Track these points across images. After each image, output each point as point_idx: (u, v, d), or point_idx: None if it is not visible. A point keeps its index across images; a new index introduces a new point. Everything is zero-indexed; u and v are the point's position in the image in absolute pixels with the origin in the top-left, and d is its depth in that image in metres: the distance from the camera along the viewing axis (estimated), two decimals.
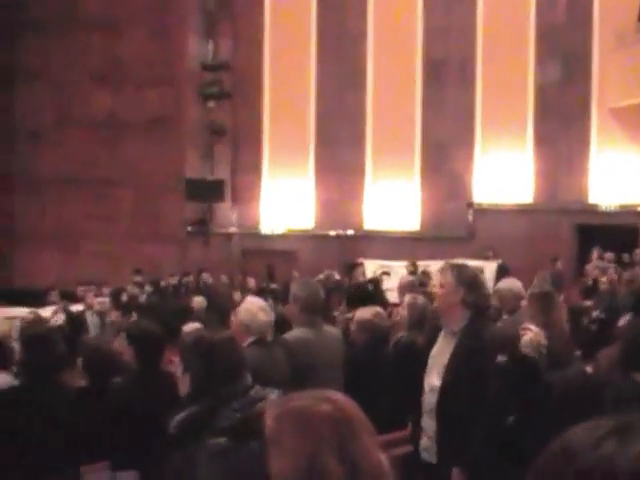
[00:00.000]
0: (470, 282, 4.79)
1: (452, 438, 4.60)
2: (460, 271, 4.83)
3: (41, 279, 17.41)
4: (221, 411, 3.41)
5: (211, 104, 20.15)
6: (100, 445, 4.89)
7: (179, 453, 3.58)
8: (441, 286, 4.83)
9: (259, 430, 2.61)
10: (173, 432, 3.55)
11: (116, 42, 19.67)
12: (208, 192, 19.79)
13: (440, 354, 4.76)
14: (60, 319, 11.06)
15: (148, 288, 15.84)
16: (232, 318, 5.71)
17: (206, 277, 17.27)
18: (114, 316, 11.36)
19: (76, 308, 12.25)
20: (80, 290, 13.52)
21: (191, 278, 17.20)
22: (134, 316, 10.89)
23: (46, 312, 11.90)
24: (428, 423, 4.75)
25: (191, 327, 6.48)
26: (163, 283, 16.94)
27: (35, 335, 5.39)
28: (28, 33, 19.75)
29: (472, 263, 13.69)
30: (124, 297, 14.24)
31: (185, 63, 19.83)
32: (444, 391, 4.63)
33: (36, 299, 13.93)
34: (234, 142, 20.30)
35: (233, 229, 20.38)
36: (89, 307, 12.05)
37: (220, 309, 11.46)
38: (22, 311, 12.56)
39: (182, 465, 3.55)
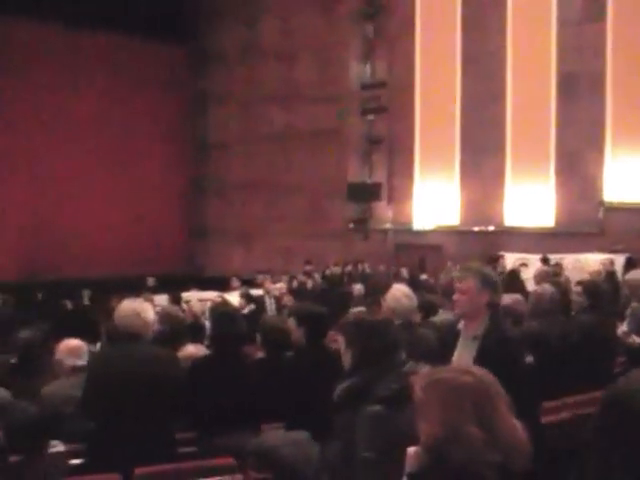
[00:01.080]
0: (495, 283, 4.16)
1: None
2: (483, 274, 4.15)
3: (226, 268, 17.95)
4: (378, 382, 3.42)
5: (370, 117, 20.22)
6: (276, 408, 4.99)
7: (341, 417, 3.61)
8: (462, 292, 4.10)
9: (412, 400, 2.61)
10: (336, 399, 3.58)
11: (290, 67, 20.02)
12: (367, 194, 19.88)
13: (463, 359, 4.01)
14: (243, 302, 11.35)
15: (316, 276, 16.03)
16: (382, 303, 5.70)
17: (365, 267, 17.34)
18: (287, 300, 11.57)
19: (256, 293, 12.54)
20: (259, 278, 13.83)
21: (351, 268, 17.30)
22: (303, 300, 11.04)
23: (231, 296, 12.24)
24: None
25: (354, 311, 6.50)
26: (328, 272, 17.10)
27: (223, 314, 5.54)
28: (216, 63, 20.35)
29: (602, 257, 13.28)
30: (295, 284, 14.47)
31: (347, 83, 19.95)
32: None
33: (222, 285, 14.36)
34: (389, 150, 20.27)
35: (389, 225, 20.34)
36: (267, 292, 12.31)
37: (376, 296, 11.49)
38: (212, 295, 13.00)
39: (343, 428, 3.57)
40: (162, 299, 10.96)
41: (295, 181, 19.66)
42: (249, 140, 20.18)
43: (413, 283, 11.42)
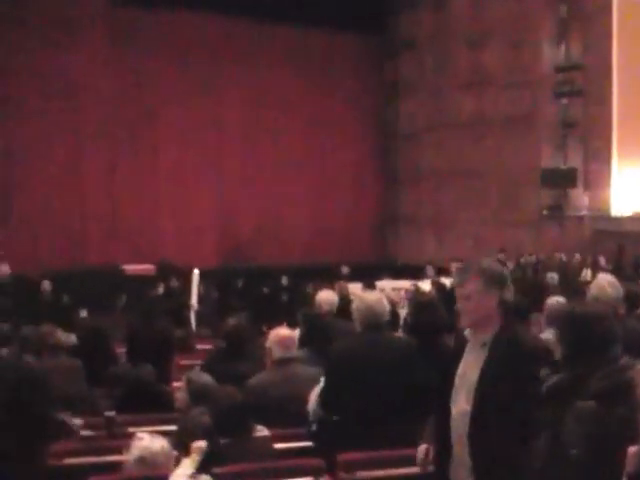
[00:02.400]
0: (502, 278, 3.42)
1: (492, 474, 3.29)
2: (486, 270, 3.39)
3: (419, 257, 17.89)
4: (591, 377, 3.24)
5: (564, 101, 19.46)
6: None
7: (549, 411, 3.46)
8: (465, 298, 3.39)
9: (628, 396, 2.44)
10: (545, 393, 3.43)
11: (480, 52, 19.63)
12: (562, 179, 19.15)
13: (470, 371, 3.39)
14: (434, 290, 11.25)
15: (510, 265, 15.65)
16: (586, 292, 5.42)
17: (560, 256, 16.74)
18: None
19: (449, 281, 12.40)
20: (453, 266, 13.66)
21: (546, 256, 16.78)
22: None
23: (424, 284, 12.17)
24: (460, 455, 3.41)
25: (554, 300, 6.25)
26: (522, 260, 16.67)
27: (422, 303, 5.49)
28: (406, 52, 20.28)
29: None
30: None
31: (540, 66, 19.29)
32: (475, 418, 3.30)
33: (415, 273, 14.32)
34: (584, 134, 19.41)
35: (585, 212, 19.50)
36: None
37: (572, 284, 11.07)
38: (405, 283, 12.99)
39: (552, 423, 3.42)
40: (356, 287, 11.05)
41: (487, 168, 19.28)
42: (440, 128, 19.98)
43: (616, 272, 10.88)
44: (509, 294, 3.43)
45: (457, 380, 3.42)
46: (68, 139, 16.66)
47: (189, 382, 5.06)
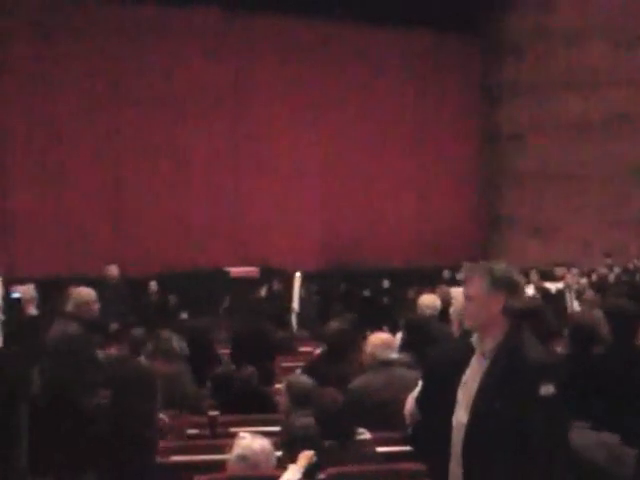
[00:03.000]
0: (512, 282, 3.18)
1: None
2: (494, 271, 3.17)
3: (522, 261, 17.56)
4: None
5: None
6: (583, 407, 4.75)
7: None
8: (470, 299, 3.21)
9: None
10: None
11: (583, 51, 19.13)
12: None
13: (471, 381, 3.18)
14: (537, 295, 11.02)
15: (616, 269, 15.21)
16: None
17: None
18: (589, 294, 11.05)
19: (555, 286, 12.13)
20: (557, 271, 13.36)
21: None
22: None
23: (527, 289, 11.93)
24: (454, 470, 3.19)
25: None
26: (630, 265, 16.16)
27: (527, 308, 5.37)
28: (508, 52, 19.94)
29: None
30: (594, 277, 13.84)
31: None
32: (470, 433, 3.08)
33: None
34: None
35: None
36: (567, 286, 11.84)
37: None
38: None
39: None
40: (457, 291, 10.93)
41: (591, 169, 18.75)
42: (543, 129, 19.54)
43: None
44: (518, 302, 3.17)
45: (459, 390, 3.21)
46: (173, 139, 17.02)
47: (289, 386, 5.10)
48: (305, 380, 5.18)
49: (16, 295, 6.99)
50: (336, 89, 18.63)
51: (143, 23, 16.56)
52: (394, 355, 5.37)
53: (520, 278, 3.30)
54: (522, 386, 2.99)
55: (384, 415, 5.03)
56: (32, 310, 6.14)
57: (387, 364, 5.27)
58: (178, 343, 6.27)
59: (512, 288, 3.17)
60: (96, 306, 6.18)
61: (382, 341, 5.40)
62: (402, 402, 4.98)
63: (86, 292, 6.07)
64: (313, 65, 18.32)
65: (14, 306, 6.68)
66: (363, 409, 4.97)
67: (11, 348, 6.23)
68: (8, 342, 6.61)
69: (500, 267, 3.22)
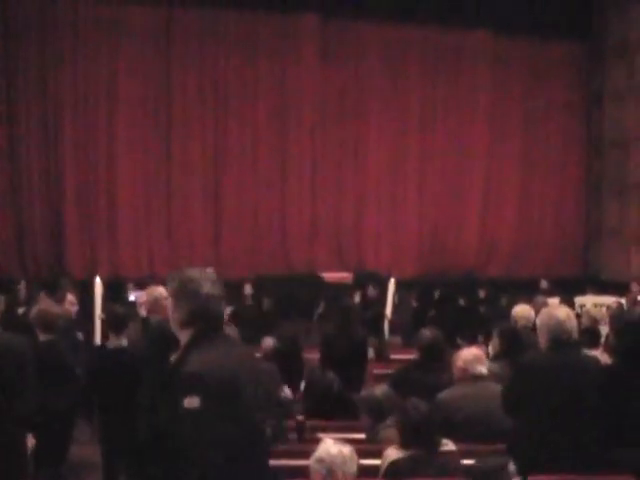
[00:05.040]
0: (192, 293, 3.21)
1: None
2: (179, 280, 3.23)
3: (624, 272, 17.07)
4: None
5: None
6: None
7: None
8: None
9: None
10: None
11: None
12: None
13: None
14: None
15: None
16: None
17: None
18: None
19: None
20: (634, 286, 12.94)
21: None
22: None
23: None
24: None
25: None
26: None
27: (630, 322, 5.24)
28: (615, 57, 19.35)
29: None
30: None
31: None
32: None
33: (620, 290, 13.68)
34: None
35: None
36: None
37: None
38: (608, 299, 12.39)
39: None
40: (554, 302, 10.69)
41: None
42: None
43: None
44: (197, 315, 3.18)
45: None
46: (274, 143, 17.23)
47: (364, 400, 5.12)
48: (381, 393, 5.18)
49: (132, 298, 7.82)
50: (442, 96, 18.47)
51: (250, 30, 16.87)
52: (484, 369, 5.33)
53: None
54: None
55: (472, 429, 4.98)
56: (143, 312, 6.52)
57: (477, 378, 5.23)
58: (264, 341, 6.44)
59: (189, 300, 3.20)
60: (167, 302, 6.38)
61: (473, 355, 5.38)
62: (491, 416, 4.92)
63: (158, 291, 6.26)
64: (420, 71, 18.23)
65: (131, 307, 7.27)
66: (451, 422, 4.93)
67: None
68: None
69: (189, 275, 3.30)
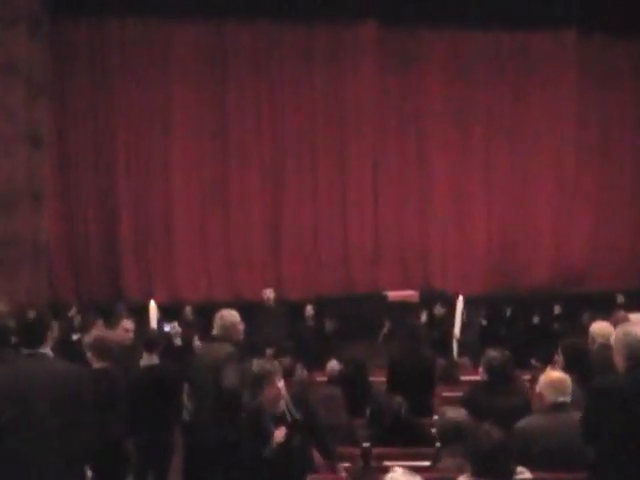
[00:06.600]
0: None
1: None
2: None
3: None
4: None
5: None
6: None
7: None
8: None
9: None
10: None
11: None
12: None
13: None
14: None
15: None
16: None
17: None
18: None
19: None
20: None
21: None
22: None
23: None
24: None
25: None
26: None
27: None
28: None
29: None
30: None
31: None
32: None
33: None
34: None
35: None
36: None
37: None
38: None
39: None
40: (637, 318, 10.41)
41: None
42: None
43: None
44: None
45: None
46: (333, 160, 17.24)
47: (438, 421, 5.02)
48: (456, 414, 5.07)
49: (167, 329, 8.43)
50: (509, 104, 18.24)
51: (305, 41, 17.01)
52: (566, 397, 5.11)
53: None
54: None
55: (551, 462, 4.83)
56: (178, 341, 6.75)
57: (559, 406, 5.06)
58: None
59: None
60: (241, 327, 6.53)
61: (554, 380, 5.16)
62: (573, 446, 4.74)
63: (230, 314, 6.34)
64: (483, 82, 18.03)
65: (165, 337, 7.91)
66: (528, 454, 4.79)
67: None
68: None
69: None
